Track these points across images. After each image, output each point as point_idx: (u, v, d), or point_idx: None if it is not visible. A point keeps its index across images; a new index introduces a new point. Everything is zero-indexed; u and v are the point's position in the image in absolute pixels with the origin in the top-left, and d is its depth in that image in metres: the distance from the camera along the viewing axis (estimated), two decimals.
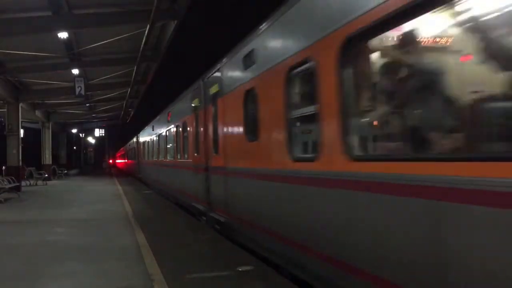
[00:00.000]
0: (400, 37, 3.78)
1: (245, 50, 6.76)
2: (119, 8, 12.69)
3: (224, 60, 8.05)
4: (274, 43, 5.97)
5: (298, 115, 5.28)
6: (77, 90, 18.25)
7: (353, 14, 3.77)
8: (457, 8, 3.05)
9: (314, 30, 4.57)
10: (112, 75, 20.37)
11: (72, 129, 46.99)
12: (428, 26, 3.52)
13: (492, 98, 3.09)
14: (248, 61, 6.64)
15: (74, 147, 57.21)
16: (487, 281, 2.67)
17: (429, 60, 3.77)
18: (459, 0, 2.92)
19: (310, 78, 4.67)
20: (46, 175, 28.30)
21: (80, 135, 54.93)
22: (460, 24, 3.28)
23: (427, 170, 3.10)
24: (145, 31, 13.67)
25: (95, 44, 15.12)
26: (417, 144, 3.60)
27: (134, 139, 30.50)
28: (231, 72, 7.78)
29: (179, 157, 13.10)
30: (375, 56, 4.18)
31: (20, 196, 17.94)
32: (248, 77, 6.62)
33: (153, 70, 21.30)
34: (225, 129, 7.95)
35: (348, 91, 4.07)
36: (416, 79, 3.74)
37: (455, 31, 3.46)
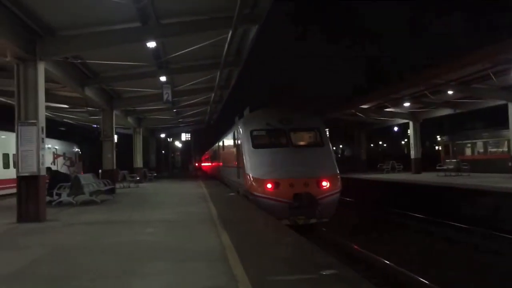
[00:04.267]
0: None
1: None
2: (202, 16, 13.05)
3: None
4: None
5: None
6: (165, 96, 18.97)
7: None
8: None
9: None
10: (197, 81, 20.97)
11: (160, 134, 49.00)
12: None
13: None
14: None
15: (163, 151, 59.82)
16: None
17: None
18: None
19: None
20: (138, 178, 29.69)
21: (168, 139, 57.29)
22: None
23: None
24: (227, 37, 13.94)
25: (181, 52, 15.63)
26: None
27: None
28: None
29: None
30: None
31: (114, 198, 19.04)
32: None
33: (236, 74, 21.69)
34: None
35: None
36: None
37: None
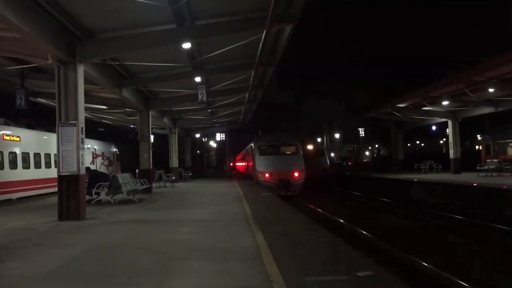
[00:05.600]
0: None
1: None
2: (236, 16, 13.10)
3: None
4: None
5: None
6: (200, 97, 19.12)
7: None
8: None
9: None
10: (231, 81, 21.06)
11: (196, 134, 49.44)
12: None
13: None
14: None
15: (198, 151, 60.31)
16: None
17: None
18: None
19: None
20: (173, 178, 30.09)
21: (203, 139, 57.76)
22: None
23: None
24: (261, 37, 13.93)
25: (215, 53, 15.72)
26: None
27: None
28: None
29: None
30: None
31: (151, 197, 19.35)
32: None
33: (270, 74, 21.67)
34: None
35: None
36: None
37: None
